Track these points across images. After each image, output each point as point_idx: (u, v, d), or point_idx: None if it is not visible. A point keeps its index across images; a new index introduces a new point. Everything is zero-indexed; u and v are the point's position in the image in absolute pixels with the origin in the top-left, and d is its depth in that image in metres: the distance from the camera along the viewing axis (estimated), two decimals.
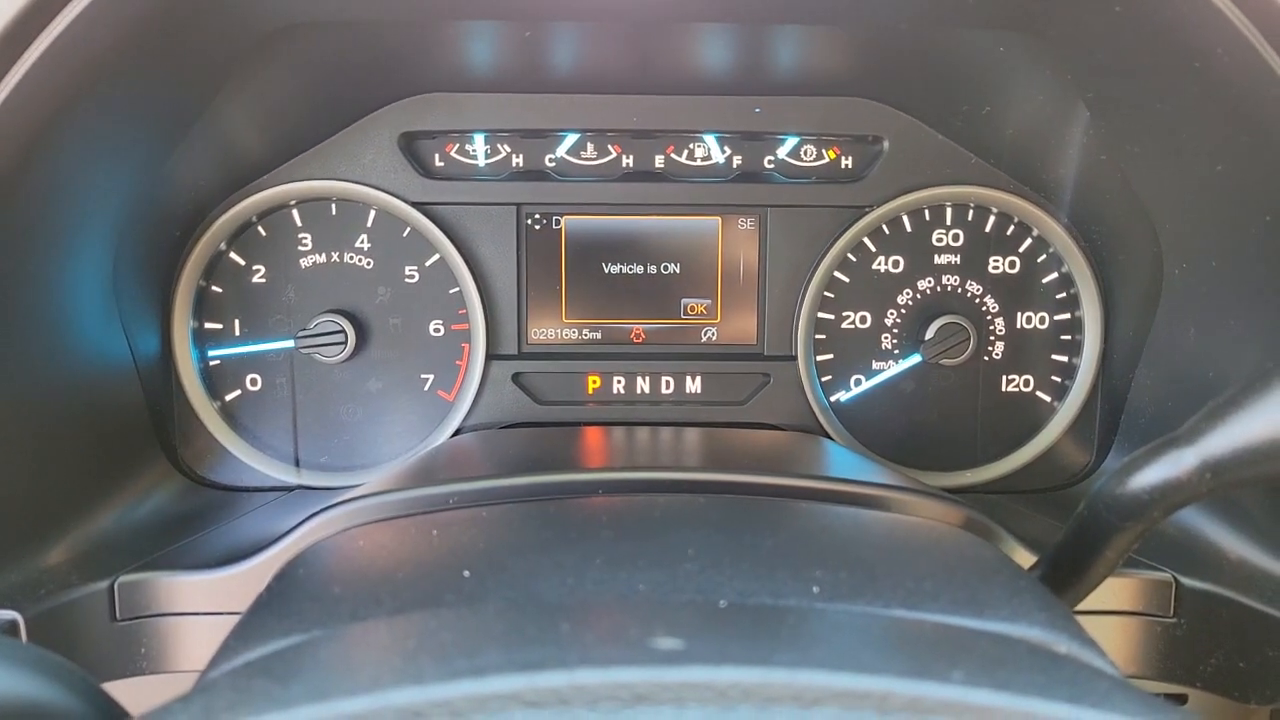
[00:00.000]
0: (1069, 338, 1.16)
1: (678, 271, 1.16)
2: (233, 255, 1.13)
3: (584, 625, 0.46)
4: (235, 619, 0.66)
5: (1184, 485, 0.67)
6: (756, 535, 0.73)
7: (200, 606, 0.87)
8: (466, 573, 0.63)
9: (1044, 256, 1.16)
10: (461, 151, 1.14)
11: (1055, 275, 1.16)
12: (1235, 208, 0.88)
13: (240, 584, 0.86)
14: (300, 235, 1.13)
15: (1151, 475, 0.69)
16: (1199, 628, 0.89)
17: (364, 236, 1.13)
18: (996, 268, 1.16)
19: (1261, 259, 0.86)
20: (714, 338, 1.18)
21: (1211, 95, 0.80)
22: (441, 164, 1.14)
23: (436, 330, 1.15)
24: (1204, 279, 0.96)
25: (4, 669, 0.57)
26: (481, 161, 1.14)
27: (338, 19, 0.88)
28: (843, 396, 1.18)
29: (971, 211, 1.15)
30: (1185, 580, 0.89)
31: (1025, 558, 0.87)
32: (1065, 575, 0.80)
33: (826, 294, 1.16)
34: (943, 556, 0.76)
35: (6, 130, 0.72)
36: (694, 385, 1.17)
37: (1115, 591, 0.91)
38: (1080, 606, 0.85)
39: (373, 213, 1.13)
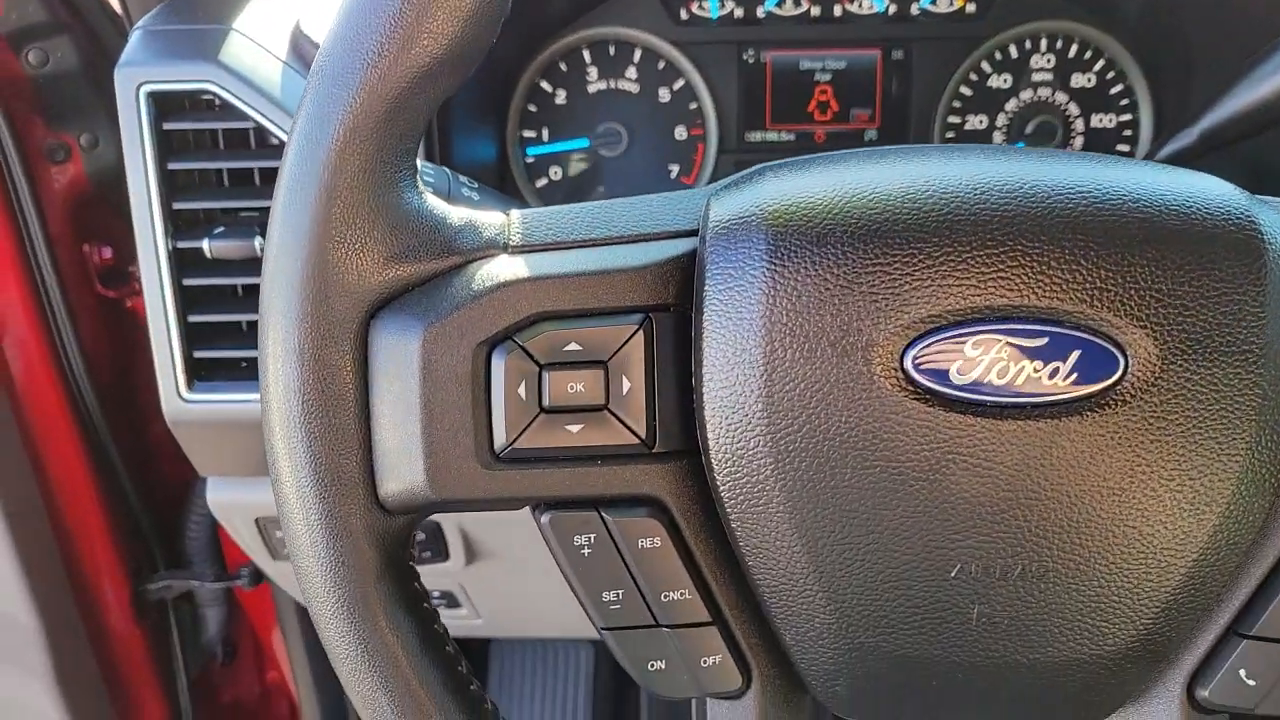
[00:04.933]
0: (1129, 133, 1.64)
1: (849, 90, 1.66)
2: (543, 84, 1.65)
3: None
4: None
5: (1191, 148, 1.22)
6: None
7: None
8: None
9: (1112, 74, 1.62)
10: (700, 8, 1.64)
11: (1121, 87, 1.62)
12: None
13: None
14: (588, 68, 1.65)
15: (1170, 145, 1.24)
16: None
17: (632, 68, 1.65)
18: (1077, 83, 1.63)
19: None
20: (874, 138, 1.68)
21: None
22: (686, 16, 1.64)
23: (680, 135, 1.67)
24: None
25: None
26: (714, 15, 1.64)
27: None
28: None
29: (1060, 40, 1.61)
30: None
31: None
32: None
33: (954, 103, 1.64)
34: None
35: None
36: None
37: None
38: None
39: (638, 51, 1.64)
